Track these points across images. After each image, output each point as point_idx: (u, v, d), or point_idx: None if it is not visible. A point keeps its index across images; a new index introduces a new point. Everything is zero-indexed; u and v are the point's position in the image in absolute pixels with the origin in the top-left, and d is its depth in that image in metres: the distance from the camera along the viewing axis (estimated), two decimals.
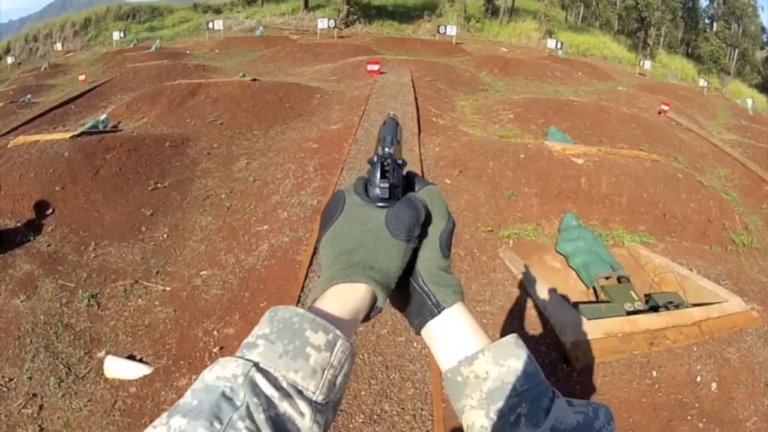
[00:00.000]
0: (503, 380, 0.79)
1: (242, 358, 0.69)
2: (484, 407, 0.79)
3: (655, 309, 6.22)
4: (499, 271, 6.96)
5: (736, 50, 45.73)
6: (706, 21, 50.08)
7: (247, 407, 0.63)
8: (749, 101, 35.56)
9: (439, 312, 0.89)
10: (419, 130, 10.89)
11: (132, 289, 6.53)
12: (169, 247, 7.45)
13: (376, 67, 17.00)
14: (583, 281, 7.19)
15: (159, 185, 9.02)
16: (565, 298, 6.45)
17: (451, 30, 33.04)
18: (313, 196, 8.21)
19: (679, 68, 43.24)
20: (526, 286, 6.58)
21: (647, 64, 34.95)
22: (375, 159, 0.91)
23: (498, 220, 8.18)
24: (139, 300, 6.36)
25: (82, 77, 20.17)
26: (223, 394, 0.64)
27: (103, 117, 12.89)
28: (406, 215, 0.86)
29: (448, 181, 8.85)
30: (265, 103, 12.83)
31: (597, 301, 6.70)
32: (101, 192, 8.38)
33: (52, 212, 7.74)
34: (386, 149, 0.92)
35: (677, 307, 6.21)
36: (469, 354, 0.83)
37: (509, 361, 0.81)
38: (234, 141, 11.21)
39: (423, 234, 0.90)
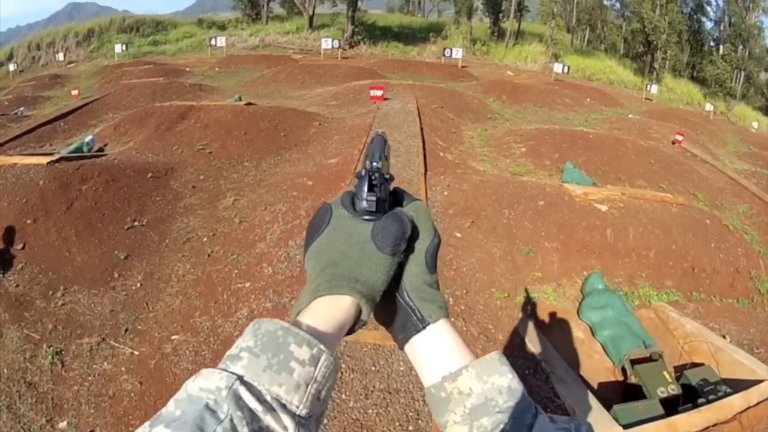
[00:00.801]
0: (487, 396, 0.79)
1: (226, 370, 0.67)
2: (467, 423, 0.78)
3: (688, 389, 5.51)
4: (519, 353, 5.91)
5: (743, 73, 44.76)
6: (711, 44, 49.40)
7: (231, 420, 0.61)
8: (755, 124, 35.00)
9: (424, 327, 0.88)
10: (425, 169, 9.78)
11: (98, 349, 5.78)
12: (141, 299, 6.56)
13: (379, 93, 15.92)
14: (610, 357, 6.24)
15: (136, 223, 8.11)
16: (594, 390, 5.55)
17: (457, 53, 32.09)
18: (302, 250, 7.04)
19: (685, 92, 42.39)
20: (550, 375, 5.62)
21: (654, 88, 34.01)
22: (363, 173, 0.90)
23: (515, 281, 7.12)
24: (105, 363, 5.62)
25: (75, 92, 19.11)
26: (207, 406, 0.62)
27: (88, 139, 11.95)
28: (392, 229, 0.85)
29: (458, 235, 7.77)
30: (259, 131, 11.79)
31: (629, 384, 5.85)
32: (74, 228, 7.53)
33: (23, 247, 7.00)
34: (374, 163, 0.92)
35: (713, 387, 5.43)
36: (453, 370, 0.82)
37: (493, 377, 0.81)
38: (222, 173, 10.21)
39: (409, 249, 0.89)
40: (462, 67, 30.75)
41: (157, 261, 7.34)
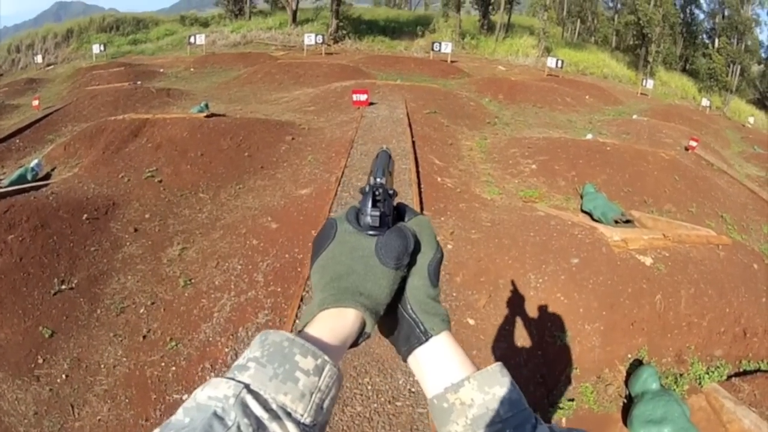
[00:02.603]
0: (488, 407, 0.79)
1: (234, 379, 0.68)
2: None
3: None
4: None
5: (739, 66, 43.00)
6: (704, 37, 47.81)
7: (238, 427, 0.62)
8: (751, 119, 33.65)
9: (427, 340, 0.88)
10: (421, 206, 7.59)
11: None
12: (66, 398, 5.14)
13: (363, 98, 13.70)
14: None
15: (64, 286, 6.30)
16: None
17: (446, 47, 29.85)
18: (250, 349, 4.99)
19: (679, 86, 40.75)
20: None
21: (649, 83, 32.23)
22: (367, 188, 0.90)
23: (547, 384, 5.25)
24: None
25: (35, 102, 16.77)
26: (215, 414, 0.63)
27: (33, 164, 10.06)
28: (395, 243, 0.86)
29: (471, 322, 5.69)
30: (219, 150, 9.68)
31: None
32: None
33: None
34: (378, 179, 0.92)
35: None
36: (456, 381, 0.83)
37: (494, 388, 0.81)
38: (172, 209, 8.29)
39: (412, 263, 0.90)
40: (452, 62, 28.72)
41: (85, 342, 5.74)
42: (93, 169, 9.28)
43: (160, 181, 8.85)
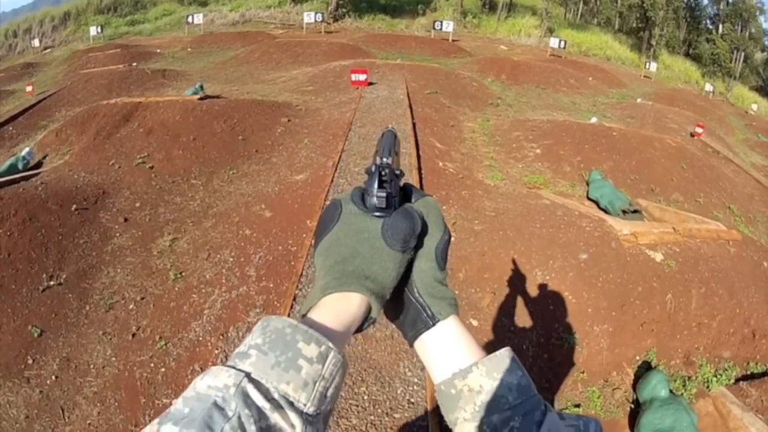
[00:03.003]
0: (496, 393, 0.77)
1: (234, 368, 0.66)
2: (477, 420, 0.77)
3: None
4: None
5: (743, 53, 42.40)
6: (707, 22, 47.21)
7: (239, 418, 0.60)
8: (754, 106, 33.25)
9: (434, 324, 0.85)
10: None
11: None
12: (57, 401, 4.89)
13: (362, 77, 13.26)
14: None
15: (53, 282, 5.98)
16: None
17: (448, 26, 29.16)
18: (245, 344, 4.73)
19: (682, 70, 40.18)
20: None
21: (653, 66, 31.85)
22: (373, 168, 0.87)
23: (551, 389, 4.99)
24: None
25: (29, 88, 16.28)
26: (215, 404, 0.61)
27: (24, 152, 9.73)
28: (402, 225, 0.83)
29: (474, 323, 5.33)
30: (212, 134, 9.27)
31: None
32: None
33: None
34: (384, 159, 0.89)
35: None
36: (464, 367, 0.80)
37: (503, 374, 0.78)
38: (163, 196, 7.93)
39: (419, 245, 0.87)
40: (453, 41, 28.10)
41: (74, 340, 5.46)
42: (84, 156, 8.92)
43: (152, 168, 8.48)
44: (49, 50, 32.31)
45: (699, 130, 15.26)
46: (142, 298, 5.88)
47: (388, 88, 13.26)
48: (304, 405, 0.65)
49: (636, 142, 10.92)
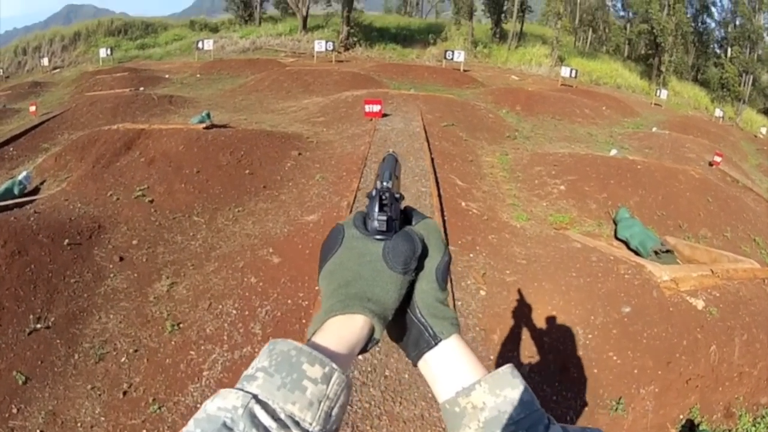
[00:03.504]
0: (500, 410, 0.77)
1: (242, 390, 0.67)
2: None
3: None
4: None
5: (751, 76, 41.85)
6: (714, 46, 46.88)
7: None
8: (763, 130, 32.77)
9: (437, 344, 0.85)
10: (447, 239, 6.52)
11: None
12: None
13: (376, 108, 12.64)
14: None
15: (40, 324, 5.39)
16: None
17: (459, 56, 28.80)
18: None
19: (692, 96, 39.65)
20: None
21: (663, 93, 31.29)
22: (373, 193, 0.87)
23: None
24: None
25: (32, 108, 15.84)
26: (224, 425, 0.62)
27: (22, 176, 9.34)
28: (402, 248, 0.83)
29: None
30: (217, 167, 8.66)
31: None
32: None
33: None
34: (384, 183, 0.90)
35: None
36: (467, 385, 0.80)
37: (505, 390, 0.78)
38: (162, 234, 7.28)
39: (420, 267, 0.87)
40: (464, 71, 27.69)
41: (61, 393, 4.85)
42: (81, 185, 8.32)
43: (152, 202, 7.86)
44: (57, 70, 32.13)
45: (717, 158, 15.02)
46: (136, 351, 5.22)
47: (403, 119, 12.63)
48: (310, 424, 0.65)
49: (661, 176, 10.32)
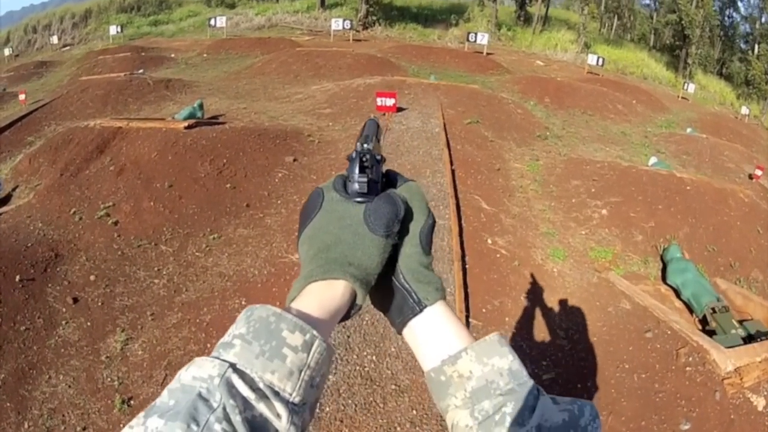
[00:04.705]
0: (487, 379, 0.73)
1: (218, 358, 0.62)
2: (468, 407, 0.72)
3: None
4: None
5: None
6: (740, 41, 45.00)
7: (224, 409, 0.57)
8: None
9: (421, 310, 0.81)
10: (467, 309, 4.98)
11: None
12: None
13: (390, 102, 11.10)
14: None
15: None
16: None
17: (483, 38, 26.77)
18: None
19: (717, 91, 37.68)
20: None
21: (691, 87, 29.31)
22: (354, 155, 0.84)
23: None
24: None
25: (21, 97, 14.46)
26: (200, 395, 0.58)
27: None
28: (384, 210, 0.79)
29: None
30: (193, 180, 7.24)
31: None
32: None
33: None
34: (365, 145, 0.85)
35: None
36: (453, 353, 0.76)
37: (493, 359, 0.74)
38: (123, 268, 5.96)
39: (403, 231, 0.83)
40: (488, 54, 25.80)
41: None
42: (46, 198, 7.09)
43: (116, 224, 6.50)
44: (67, 48, 30.73)
45: (759, 172, 13.54)
46: (84, 429, 4.25)
47: (420, 116, 11.03)
48: (290, 394, 0.61)
49: (711, 199, 8.72)
